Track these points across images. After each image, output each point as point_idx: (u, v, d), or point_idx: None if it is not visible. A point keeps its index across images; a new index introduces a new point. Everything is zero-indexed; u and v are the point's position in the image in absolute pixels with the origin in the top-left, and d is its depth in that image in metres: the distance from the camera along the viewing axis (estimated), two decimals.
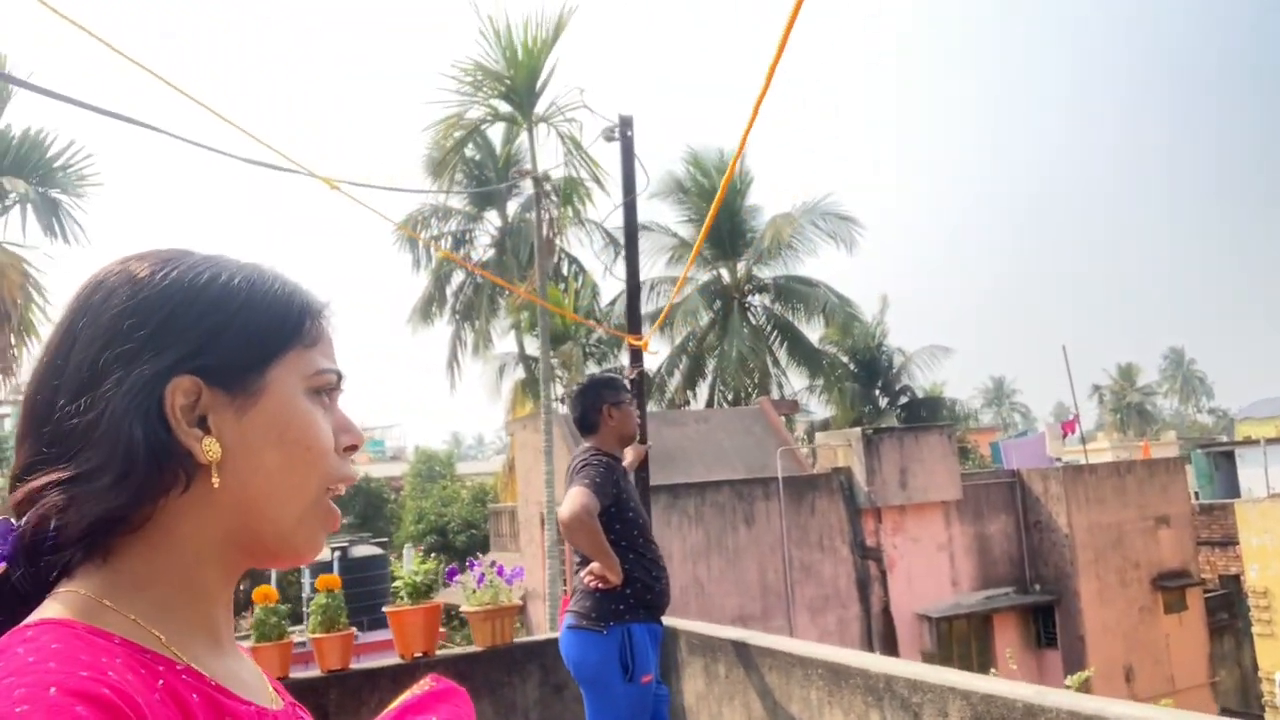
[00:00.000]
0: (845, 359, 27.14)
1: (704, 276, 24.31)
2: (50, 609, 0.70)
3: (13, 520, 0.73)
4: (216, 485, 0.75)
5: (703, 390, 23.99)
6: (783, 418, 19.44)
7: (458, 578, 4.77)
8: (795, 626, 15.28)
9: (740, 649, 4.12)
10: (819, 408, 27.64)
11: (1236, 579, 20.93)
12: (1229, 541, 21.61)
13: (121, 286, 0.76)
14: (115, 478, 0.71)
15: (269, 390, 0.79)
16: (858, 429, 16.81)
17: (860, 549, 16.19)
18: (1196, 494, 25.63)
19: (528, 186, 20.70)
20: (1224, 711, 18.56)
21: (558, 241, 15.44)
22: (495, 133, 19.18)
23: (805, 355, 23.82)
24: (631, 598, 3.71)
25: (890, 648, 16.13)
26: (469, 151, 18.96)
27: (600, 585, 3.66)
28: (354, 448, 0.86)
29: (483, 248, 21.68)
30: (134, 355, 0.74)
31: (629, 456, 4.26)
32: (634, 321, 6.10)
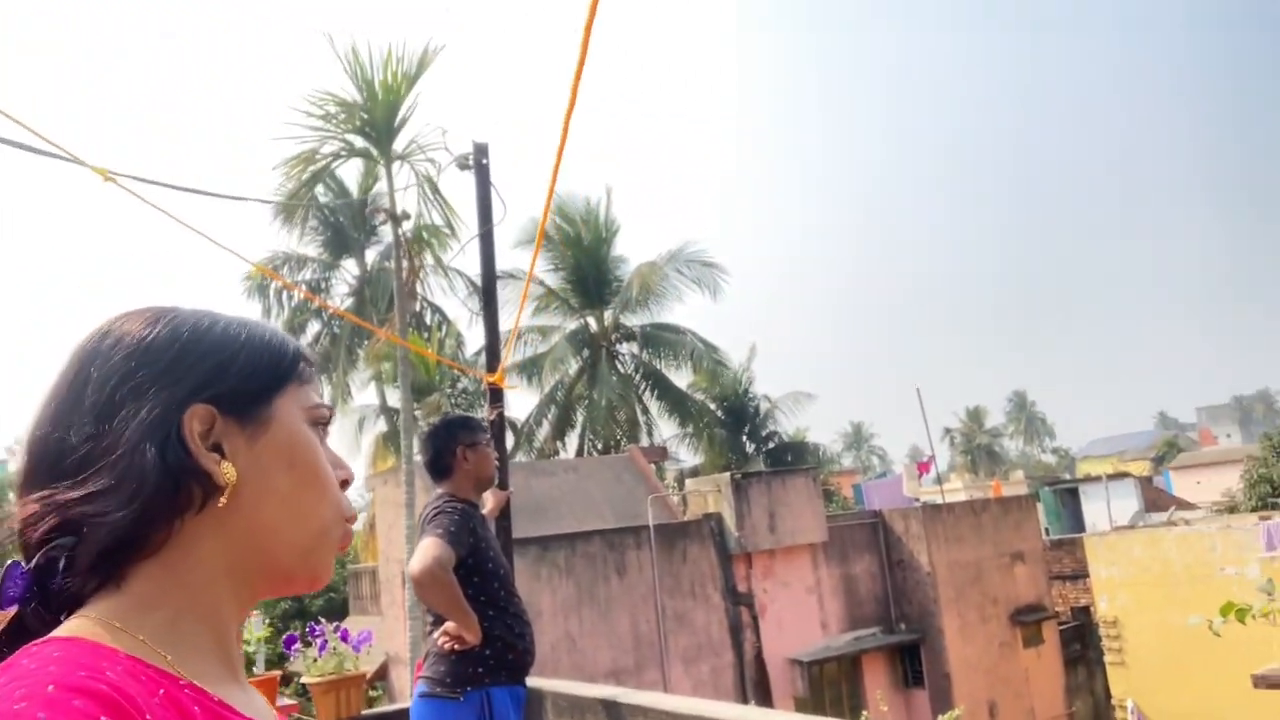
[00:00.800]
0: (713, 406, 27.32)
1: (571, 325, 24.14)
2: (59, 631, 0.72)
3: (22, 563, 0.75)
4: (231, 505, 0.79)
5: (572, 439, 23.68)
6: (652, 465, 19.31)
7: (296, 646, 4.29)
8: (669, 678, 14.98)
9: (611, 708, 3.82)
10: (687, 455, 27.69)
11: (1086, 610, 21.86)
12: (1078, 575, 22.58)
13: (130, 333, 0.81)
14: (130, 496, 0.74)
15: (277, 419, 0.84)
16: (727, 474, 16.79)
17: (732, 595, 16.08)
18: (1047, 530, 26.78)
19: (386, 234, 20.16)
20: None
21: (420, 289, 14.93)
22: (351, 178, 18.59)
23: (674, 402, 23.85)
24: (492, 658, 3.36)
25: (763, 695, 16.02)
26: (321, 194, 18.28)
27: (456, 646, 3.30)
28: (347, 483, 0.89)
29: (340, 297, 20.91)
30: (148, 389, 0.77)
31: (488, 503, 3.94)
32: (492, 359, 5.78)
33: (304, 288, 20.16)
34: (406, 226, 11.01)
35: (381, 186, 12.67)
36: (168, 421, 0.77)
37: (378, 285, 19.25)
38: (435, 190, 10.79)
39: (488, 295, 5.88)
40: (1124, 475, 32.19)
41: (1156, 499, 30.59)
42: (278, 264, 20.14)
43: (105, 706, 0.62)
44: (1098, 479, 30.15)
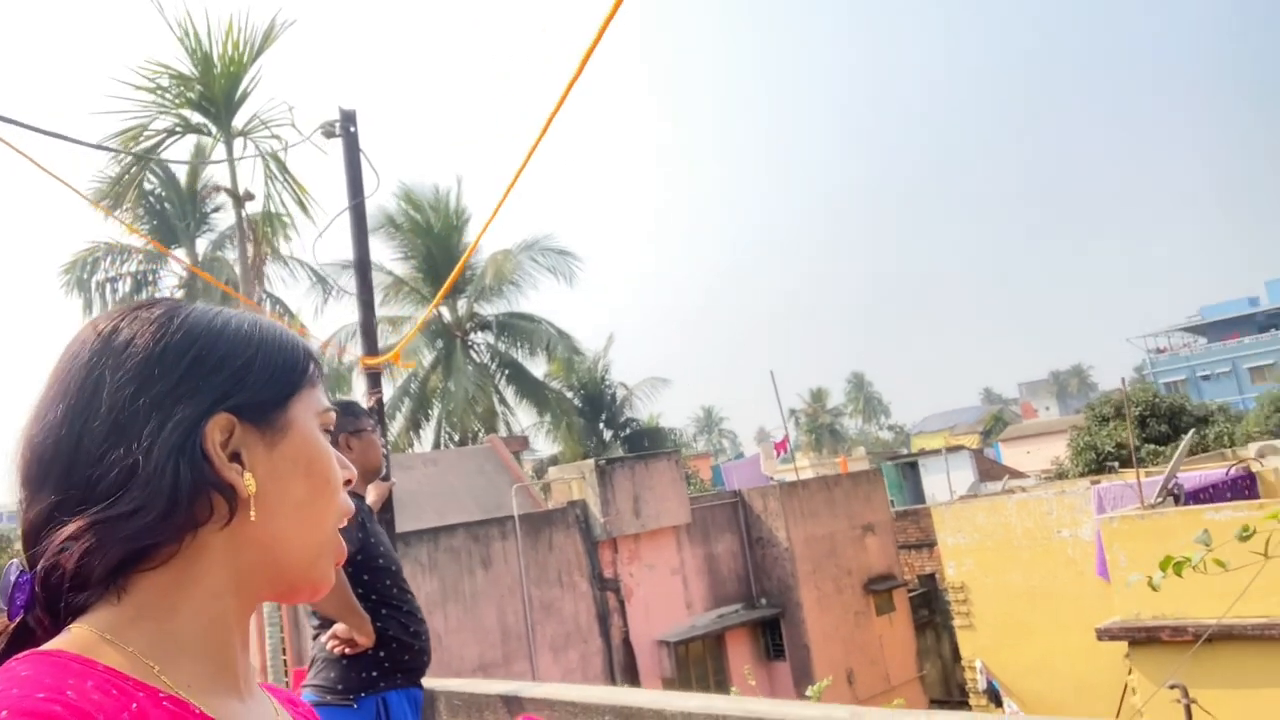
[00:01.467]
0: (570, 394, 27.21)
1: (422, 314, 23.48)
2: (51, 643, 0.72)
3: (24, 566, 0.75)
4: (254, 518, 0.78)
5: (428, 432, 23.10)
6: (513, 454, 19.03)
7: None
8: (538, 668, 14.82)
9: (512, 703, 3.65)
10: (544, 444, 27.51)
11: (932, 577, 22.98)
12: (923, 544, 23.71)
13: (141, 332, 0.79)
14: (160, 514, 0.73)
15: (293, 426, 0.83)
16: (591, 461, 16.72)
17: (599, 581, 16.05)
18: (892, 502, 27.95)
19: (219, 221, 18.98)
20: (932, 702, 20.18)
21: (257, 281, 14.10)
22: (179, 165, 17.39)
23: (531, 392, 23.60)
24: (386, 660, 3.13)
25: (632, 678, 16.08)
26: (148, 183, 17.03)
27: (348, 650, 3.05)
28: (348, 483, 0.88)
29: (169, 290, 19.59)
30: (168, 397, 0.76)
31: (372, 495, 3.68)
32: (370, 341, 5.45)
33: (122, 289, 18.80)
34: (250, 208, 10.35)
35: (215, 169, 11.91)
36: (190, 433, 0.76)
37: (213, 275, 18.13)
38: (283, 169, 10.15)
39: (361, 271, 5.54)
40: (959, 448, 33.95)
41: (989, 469, 32.45)
42: (100, 254, 18.71)
43: None
44: (936, 452, 31.71)
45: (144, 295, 18.89)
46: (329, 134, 5.40)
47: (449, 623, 14.08)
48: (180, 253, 19.69)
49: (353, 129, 5.32)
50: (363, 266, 5.59)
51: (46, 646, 0.71)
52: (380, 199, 24.33)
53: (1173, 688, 7.50)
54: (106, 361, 0.77)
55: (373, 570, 3.21)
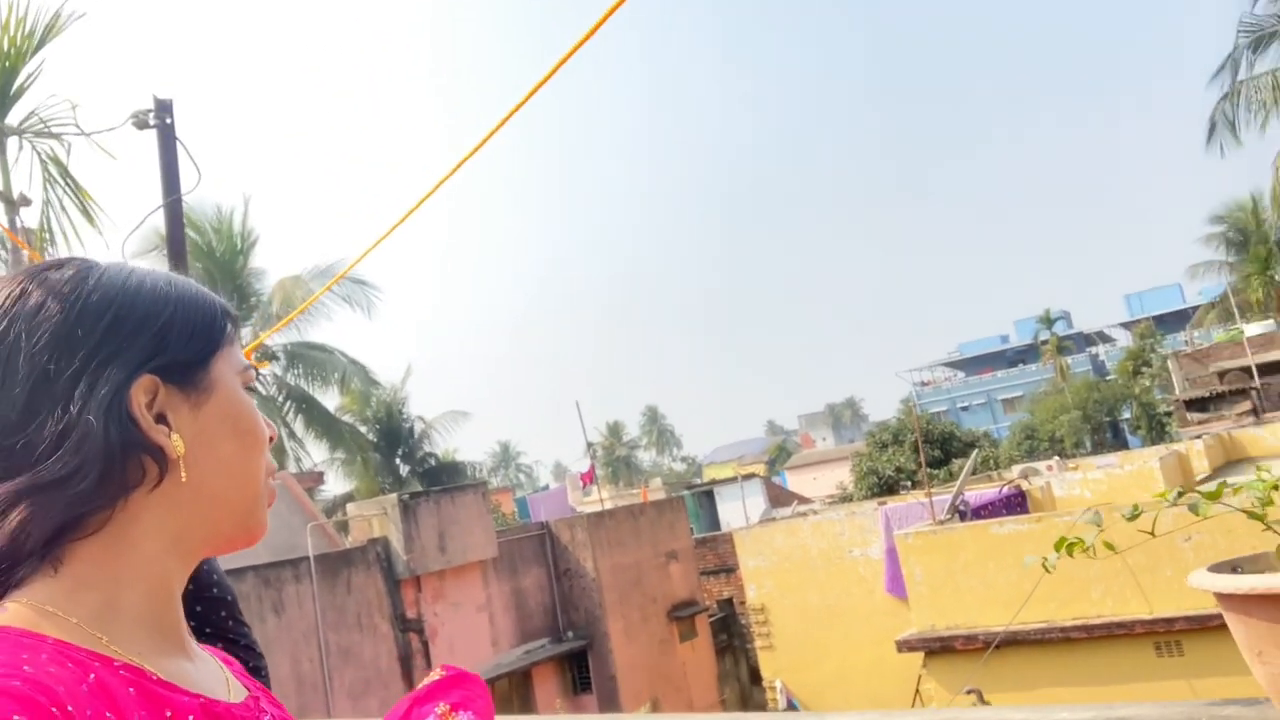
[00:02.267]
0: (365, 429, 26.19)
1: None
2: None
3: None
4: (185, 479, 0.77)
5: None
6: (306, 491, 18.02)
7: None
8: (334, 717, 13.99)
9: None
10: (336, 481, 26.29)
11: (730, 602, 23.61)
12: (721, 569, 24.35)
13: (52, 294, 0.76)
14: (94, 479, 0.72)
15: (217, 384, 0.82)
16: (393, 496, 16.08)
17: (401, 622, 15.39)
18: (691, 529, 28.60)
19: None
20: None
21: None
22: None
23: (324, 425, 22.48)
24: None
25: None
26: None
27: None
28: (272, 439, 0.88)
29: None
30: (89, 361, 0.74)
31: None
32: None
33: None
34: (27, 218, 9.25)
35: None
36: (114, 397, 0.74)
37: None
38: (65, 173, 9.13)
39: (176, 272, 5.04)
40: (751, 476, 35.30)
41: (779, 496, 33.89)
42: None
43: (20, 704, 0.60)
44: (732, 480, 32.79)
45: None
46: (141, 125, 4.89)
47: None
48: None
49: (169, 120, 4.85)
50: (179, 266, 5.09)
51: None
52: (155, 218, 22.61)
53: (969, 693, 8.01)
54: (19, 327, 0.74)
55: (205, 601, 2.88)
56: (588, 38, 3.76)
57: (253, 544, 0.86)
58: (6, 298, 0.77)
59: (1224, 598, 1.51)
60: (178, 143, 4.88)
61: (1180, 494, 1.59)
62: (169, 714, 0.71)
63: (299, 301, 21.69)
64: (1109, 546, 1.69)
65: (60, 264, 0.80)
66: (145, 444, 0.75)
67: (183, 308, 0.82)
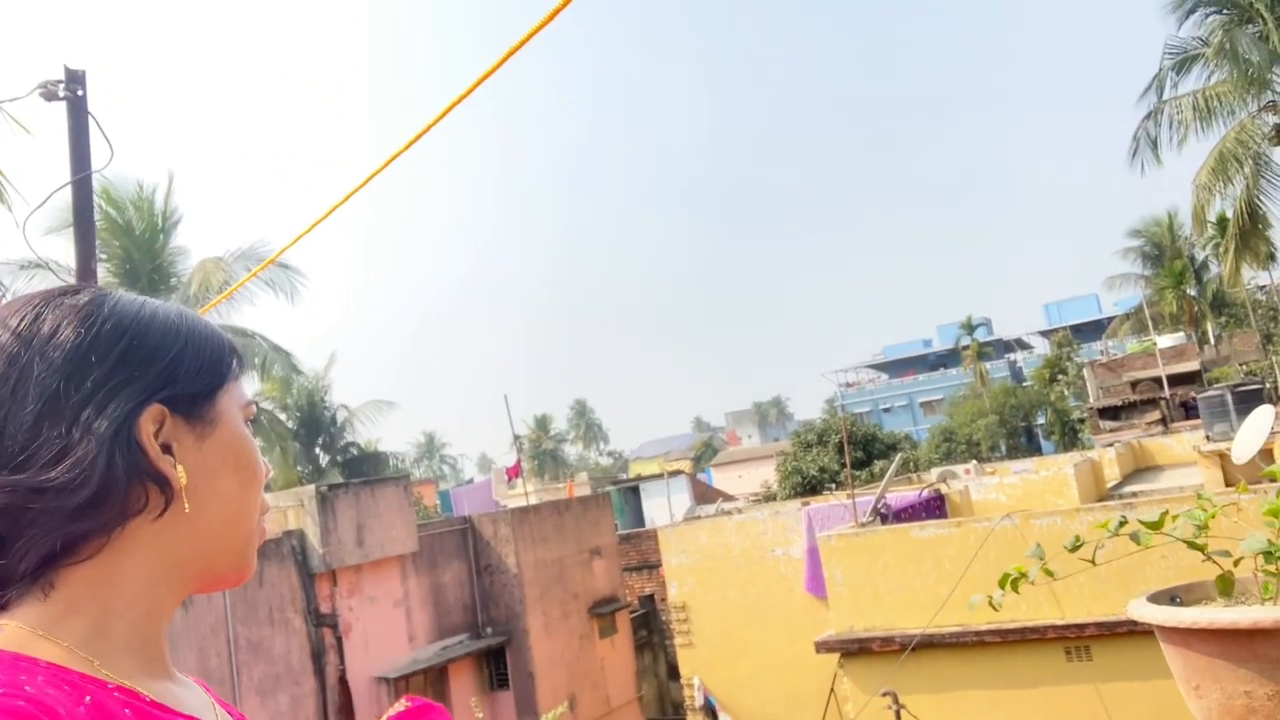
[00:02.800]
0: (283, 416, 25.53)
1: None
2: None
3: None
4: (188, 510, 0.77)
5: None
6: None
7: None
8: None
9: None
10: None
11: (652, 598, 23.62)
12: (644, 565, 24.34)
13: (66, 320, 0.77)
14: (91, 497, 0.72)
15: (222, 419, 0.83)
16: (311, 487, 15.66)
17: (315, 617, 15.00)
18: (616, 525, 28.53)
19: None
20: None
21: None
22: None
23: None
24: None
25: (347, 718, 15.16)
26: None
27: None
28: (268, 474, 0.89)
29: None
30: (100, 389, 0.75)
31: None
32: None
33: None
34: None
35: None
36: (123, 424, 0.75)
37: None
38: None
39: (84, 255, 4.74)
40: (677, 473, 35.38)
41: (704, 493, 34.03)
42: None
43: None
44: (659, 477, 32.82)
45: None
46: (49, 96, 4.56)
47: None
48: None
49: (80, 91, 4.54)
50: (86, 244, 4.80)
51: None
52: (67, 192, 21.70)
53: (884, 695, 8.07)
54: (33, 351, 0.75)
55: None
56: (531, 35, 3.62)
57: (240, 584, 0.86)
58: (20, 321, 0.77)
59: (1163, 630, 1.45)
60: (90, 116, 4.58)
61: (1122, 523, 1.53)
62: None
63: (217, 283, 21.01)
64: (1048, 574, 1.64)
65: (75, 290, 0.81)
66: (151, 473, 0.76)
67: (193, 341, 0.83)
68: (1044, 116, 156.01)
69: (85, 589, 0.74)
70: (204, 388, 0.82)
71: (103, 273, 20.28)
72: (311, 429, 27.26)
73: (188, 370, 0.81)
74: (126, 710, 0.70)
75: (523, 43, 3.59)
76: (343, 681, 15.30)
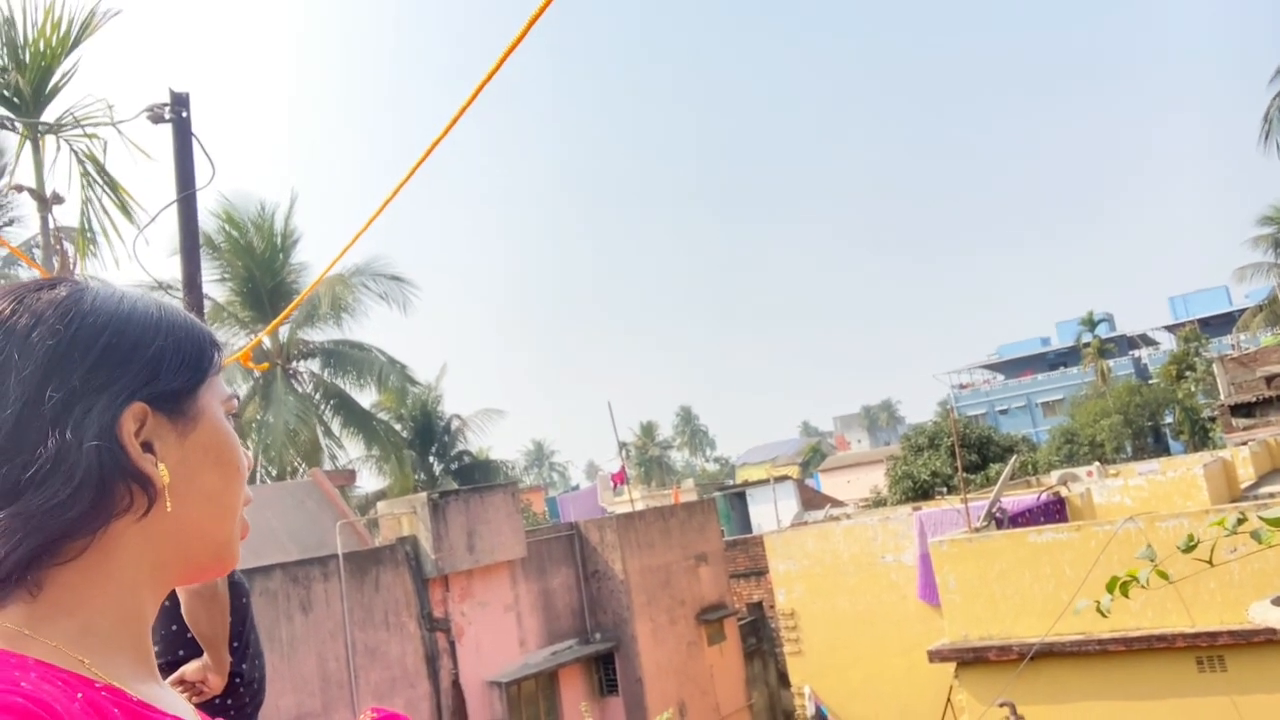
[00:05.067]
0: (399, 426, 26.29)
1: (241, 341, 22.11)
2: None
3: None
4: (170, 509, 0.77)
5: None
6: (338, 489, 18.08)
7: None
8: (359, 716, 13.98)
9: None
10: (370, 478, 26.42)
11: (760, 606, 23.39)
12: (751, 572, 24.13)
13: (45, 316, 0.76)
14: (84, 508, 0.72)
15: (204, 414, 0.82)
16: (423, 495, 16.06)
17: (428, 621, 15.37)
18: (722, 532, 28.40)
19: (14, 236, 17.26)
20: None
21: None
22: None
23: (359, 423, 22.57)
24: (233, 707, 2.72)
25: None
26: None
27: (194, 698, 2.60)
28: (251, 468, 0.88)
29: None
30: (82, 386, 0.74)
31: None
32: None
33: None
34: (62, 217, 9.28)
35: (19, 170, 10.68)
36: (104, 423, 0.74)
37: None
38: (101, 171, 9.13)
39: (190, 272, 4.98)
40: (784, 479, 34.98)
41: (812, 499, 33.54)
42: None
43: (19, 717, 0.60)
44: (764, 482, 32.51)
45: None
46: (157, 119, 4.83)
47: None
48: None
49: (185, 114, 4.79)
50: (191, 263, 5.03)
51: None
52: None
53: (1002, 705, 7.77)
54: (11, 348, 0.74)
55: (230, 586, 2.80)
56: None
57: (223, 574, 0.86)
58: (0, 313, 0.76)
59: None
60: (193, 137, 4.81)
61: (1240, 520, 1.42)
62: None
63: (340, 300, 21.80)
64: (1163, 576, 1.53)
65: (52, 284, 0.80)
66: (133, 472, 0.75)
67: (174, 336, 0.82)
68: (1165, 100, 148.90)
69: (72, 590, 0.74)
70: (185, 384, 0.81)
71: (226, 292, 21.30)
72: (425, 438, 27.98)
73: (169, 366, 0.80)
74: (115, 709, 0.69)
75: None
76: (456, 685, 15.61)
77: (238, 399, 0.90)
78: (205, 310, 21.31)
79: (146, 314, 0.81)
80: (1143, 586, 1.59)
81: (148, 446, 0.77)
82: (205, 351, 0.84)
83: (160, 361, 0.79)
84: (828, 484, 47.85)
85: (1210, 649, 7.94)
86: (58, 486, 0.71)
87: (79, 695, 0.67)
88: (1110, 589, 1.61)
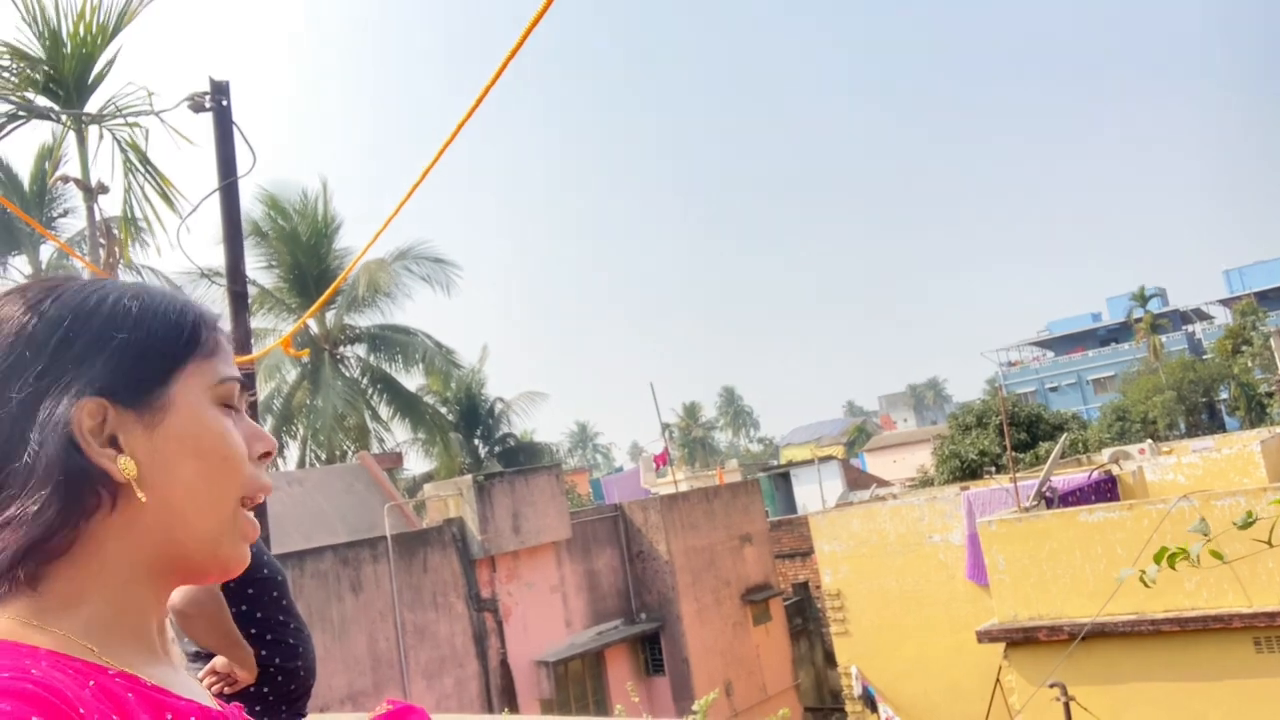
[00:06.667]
0: (444, 409, 26.53)
1: (287, 327, 22.42)
2: None
3: None
4: (143, 500, 0.76)
5: (293, 451, 22.00)
6: (386, 472, 18.32)
7: None
8: (411, 695, 14.20)
9: None
10: (417, 461, 26.72)
11: (805, 586, 23.32)
12: (796, 553, 24.06)
13: (12, 313, 0.77)
14: (51, 506, 0.73)
15: (175, 403, 0.80)
16: (469, 477, 16.22)
17: (476, 601, 15.55)
18: (767, 512, 28.32)
19: (66, 227, 17.65)
20: (807, 709, 20.43)
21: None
22: (21, 163, 16.07)
23: (406, 407, 22.82)
24: (271, 694, 2.77)
25: (510, 701, 15.64)
26: None
27: (227, 689, 2.66)
28: (269, 454, 0.86)
29: None
30: (36, 385, 0.75)
31: None
32: (242, 336, 4.98)
33: None
34: (107, 206, 9.47)
35: (64, 161, 10.89)
36: (59, 421, 0.74)
37: None
38: (144, 160, 9.29)
39: (233, 259, 5.05)
40: (829, 459, 34.77)
41: (857, 479, 33.32)
42: None
43: (35, 706, 0.60)
44: (809, 463, 32.35)
45: None
46: (197, 108, 4.90)
47: (316, 651, 13.35)
48: (21, 260, 18.23)
49: (225, 102, 4.85)
50: (235, 250, 5.10)
51: None
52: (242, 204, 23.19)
53: (1052, 686, 7.68)
54: None
55: (257, 583, 2.85)
56: None
57: (228, 576, 0.83)
58: None
59: None
60: (234, 125, 4.87)
61: None
62: (169, 716, 0.72)
63: (384, 285, 22.01)
64: (1216, 556, 1.49)
65: (41, 281, 0.81)
66: (89, 468, 0.74)
67: (142, 325, 0.80)
68: (1215, 66, 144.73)
69: (68, 583, 0.75)
70: (150, 373, 0.79)
71: (273, 278, 21.60)
72: (470, 421, 28.22)
73: (128, 356, 0.78)
74: (129, 694, 0.70)
75: None
76: (504, 665, 15.80)
77: (242, 382, 0.85)
78: (252, 297, 21.65)
79: (115, 305, 0.80)
80: (1193, 563, 1.54)
81: (113, 441, 0.76)
82: (180, 337, 0.82)
83: (122, 353, 0.78)
84: (873, 464, 47.50)
85: (1269, 629, 7.76)
86: (28, 489, 0.72)
87: (91, 682, 0.67)
88: (1158, 560, 1.56)
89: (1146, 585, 1.65)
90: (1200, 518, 1.63)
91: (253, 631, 2.74)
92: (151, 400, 0.79)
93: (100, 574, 0.76)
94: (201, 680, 2.69)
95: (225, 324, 0.88)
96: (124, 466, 0.76)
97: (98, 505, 0.75)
